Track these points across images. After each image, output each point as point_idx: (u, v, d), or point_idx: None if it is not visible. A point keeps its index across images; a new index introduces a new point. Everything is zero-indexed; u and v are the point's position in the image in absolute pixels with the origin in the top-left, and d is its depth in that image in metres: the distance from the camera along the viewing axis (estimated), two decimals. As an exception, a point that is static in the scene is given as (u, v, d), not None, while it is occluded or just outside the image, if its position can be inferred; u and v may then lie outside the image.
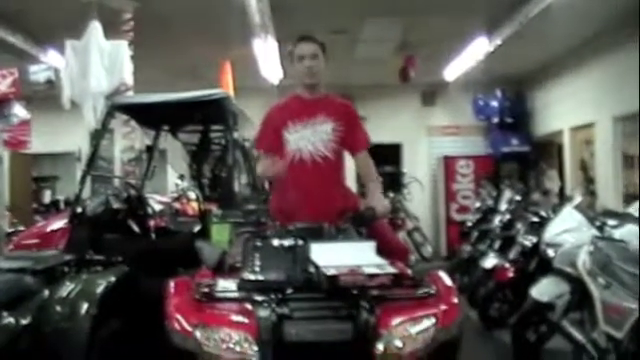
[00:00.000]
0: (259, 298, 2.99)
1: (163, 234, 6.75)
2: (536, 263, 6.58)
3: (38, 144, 13.02)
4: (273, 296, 2.96)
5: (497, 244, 8.04)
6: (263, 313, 2.93)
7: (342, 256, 3.09)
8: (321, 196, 3.87)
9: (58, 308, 4.46)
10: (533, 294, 5.75)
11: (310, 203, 3.80)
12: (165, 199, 9.60)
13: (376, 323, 2.93)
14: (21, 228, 9.61)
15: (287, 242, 3.36)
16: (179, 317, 3.06)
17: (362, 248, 3.26)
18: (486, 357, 6.69)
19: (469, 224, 9.73)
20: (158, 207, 7.94)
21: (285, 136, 3.96)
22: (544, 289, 5.71)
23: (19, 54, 9.50)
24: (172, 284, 3.37)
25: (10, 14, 8.59)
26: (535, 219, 7.07)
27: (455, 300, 3.21)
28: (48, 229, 6.61)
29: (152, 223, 6.82)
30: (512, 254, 7.23)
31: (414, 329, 3.01)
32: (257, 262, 3.27)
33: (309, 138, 3.95)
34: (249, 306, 3.03)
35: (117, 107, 6.16)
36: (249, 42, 9.63)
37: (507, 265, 7.13)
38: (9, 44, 9.18)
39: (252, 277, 3.12)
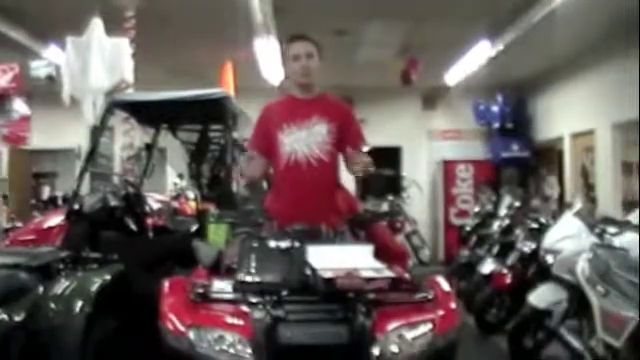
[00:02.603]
0: (254, 300, 2.96)
1: (161, 233, 6.73)
2: (535, 269, 6.54)
3: (38, 140, 13.03)
4: (268, 298, 2.93)
5: (496, 249, 8.02)
6: (258, 315, 2.90)
7: (339, 259, 3.06)
8: (316, 198, 3.79)
9: (52, 305, 4.44)
10: (531, 300, 5.74)
11: (305, 205, 3.73)
12: (164, 198, 9.60)
13: (372, 327, 2.90)
14: (19, 224, 9.59)
15: (284, 244, 3.32)
16: (173, 317, 3.04)
17: (360, 251, 3.23)
18: (483, 364, 6.66)
19: (468, 229, 9.70)
20: (156, 206, 7.92)
21: (279, 138, 3.88)
22: (542, 296, 5.70)
23: (20, 49, 9.46)
24: (167, 284, 3.34)
25: (12, 9, 8.55)
26: (534, 225, 7.04)
27: (453, 306, 3.18)
28: (45, 225, 6.58)
29: (150, 221, 6.80)
30: (510, 260, 7.19)
31: (410, 334, 2.98)
32: (253, 263, 3.24)
33: (304, 140, 3.86)
34: (244, 308, 3.00)
35: (116, 104, 6.13)
36: (251, 42, 9.60)
37: (505, 271, 7.10)
38: (11, 39, 9.14)
39: (248, 278, 3.09)
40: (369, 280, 2.89)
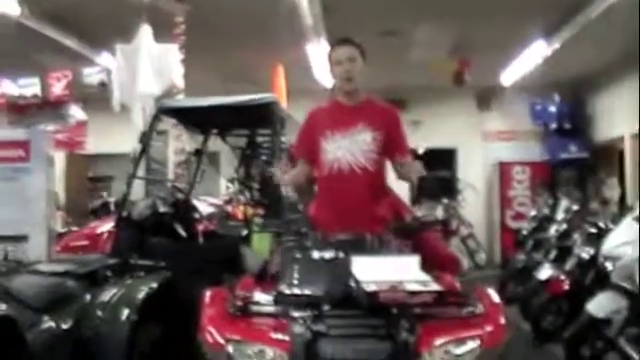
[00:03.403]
0: (295, 314, 2.86)
1: (211, 238, 6.70)
2: (593, 276, 6.31)
3: (94, 145, 13.24)
4: (309, 312, 2.84)
5: (553, 254, 7.80)
6: (298, 330, 2.81)
7: (384, 271, 2.95)
8: (360, 207, 3.69)
9: (99, 313, 4.47)
10: (589, 309, 5.53)
11: (349, 214, 3.64)
12: (217, 201, 9.61)
13: (417, 343, 2.78)
14: (74, 228, 9.73)
15: (327, 254, 3.22)
16: (212, 330, 2.98)
17: (405, 262, 3.10)
18: (538, 372, 6.46)
19: (524, 232, 9.49)
20: (209, 210, 7.93)
21: (323, 145, 3.80)
22: (601, 304, 5.49)
23: (73, 56, 9.61)
24: (208, 294, 3.28)
25: (65, 17, 8.69)
26: (593, 230, 6.80)
27: (502, 321, 3.03)
28: (96, 232, 6.64)
29: (200, 227, 6.79)
30: (568, 265, 6.98)
31: (457, 350, 2.85)
32: (295, 275, 3.15)
33: (348, 148, 3.76)
34: (285, 321, 2.91)
35: (164, 111, 6.13)
36: (301, 45, 9.57)
37: (562, 277, 6.89)
38: (64, 47, 9.29)
39: (289, 291, 3.00)
40: (414, 294, 2.77)
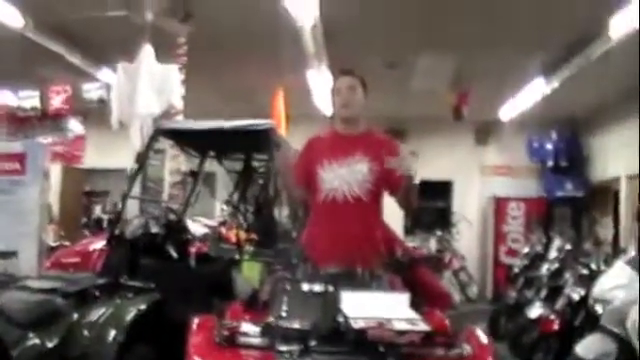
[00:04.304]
0: (281, 347, 2.84)
1: (202, 260, 6.67)
2: (583, 317, 6.31)
3: (92, 159, 13.22)
4: (296, 346, 2.82)
5: (544, 293, 7.78)
6: (284, 364, 2.79)
7: (373, 307, 2.93)
8: (353, 238, 3.68)
9: (86, 332, 4.44)
10: (578, 351, 5.51)
11: (341, 245, 3.62)
12: (212, 223, 9.57)
13: (403, 383, 2.76)
14: (66, 243, 9.68)
15: (317, 288, 3.21)
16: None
17: (395, 299, 3.09)
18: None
19: (516, 269, 9.49)
20: (203, 231, 7.88)
21: (319, 173, 3.79)
22: (590, 346, 5.48)
23: (75, 71, 9.63)
24: (195, 322, 3.26)
25: (68, 32, 8.72)
26: (585, 271, 6.82)
27: (490, 363, 3.02)
28: (87, 249, 6.61)
29: (193, 248, 6.76)
30: (559, 305, 6.97)
31: (444, 392, 2.83)
32: (284, 307, 3.13)
33: (344, 177, 3.76)
34: (271, 354, 2.89)
35: (162, 131, 6.14)
36: (302, 70, 9.61)
37: (553, 316, 6.88)
38: (66, 61, 9.31)
39: (276, 323, 2.98)
40: (401, 333, 2.75)
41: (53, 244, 9.37)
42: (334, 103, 3.94)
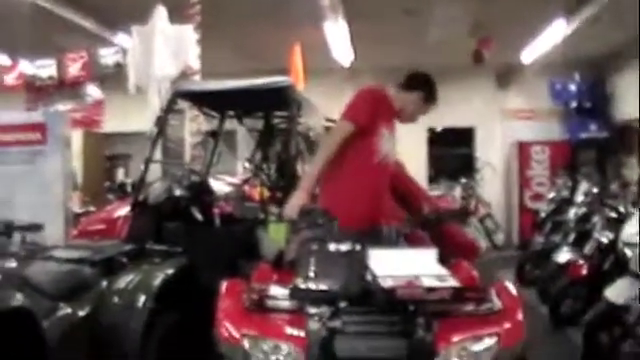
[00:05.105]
0: (310, 310, 2.83)
1: (227, 221, 6.66)
2: (612, 261, 6.24)
3: (111, 124, 13.25)
4: (325, 308, 2.80)
5: (572, 237, 7.73)
6: (313, 326, 2.77)
7: (402, 264, 2.90)
8: (385, 202, 3.83)
9: (115, 300, 4.45)
10: (607, 295, 5.46)
11: (373, 206, 3.74)
12: (235, 180, 9.57)
13: (434, 340, 2.74)
14: (92, 209, 9.74)
15: (344, 247, 3.17)
16: (228, 325, 2.96)
17: (423, 255, 3.05)
18: (555, 358, 6.40)
19: (543, 214, 9.41)
20: (227, 189, 7.87)
21: (380, 135, 3.90)
22: (619, 290, 5.42)
23: (90, 37, 9.58)
24: (224, 286, 3.26)
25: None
26: (613, 214, 6.72)
27: (520, 317, 2.98)
28: (113, 215, 6.63)
29: (217, 209, 6.75)
30: (587, 249, 6.91)
31: (475, 348, 2.81)
32: (312, 268, 3.10)
33: (391, 148, 3.95)
34: (301, 316, 2.88)
35: (179, 94, 6.09)
36: (319, 23, 9.48)
37: (581, 261, 6.82)
38: (81, 27, 9.26)
39: (304, 285, 2.96)
40: (431, 290, 2.72)
41: (79, 211, 9.46)
42: (412, 108, 4.07)
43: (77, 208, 9.70)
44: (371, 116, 3.86)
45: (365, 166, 3.85)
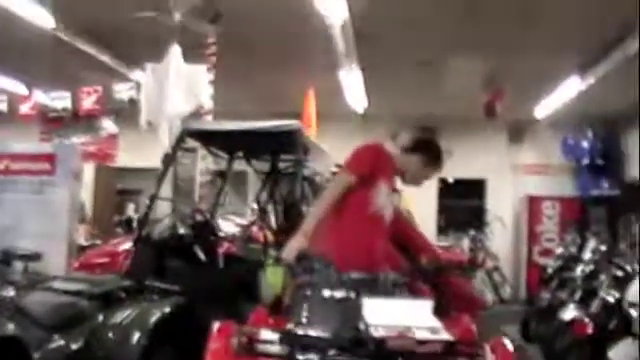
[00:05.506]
0: (300, 356, 2.78)
1: (231, 261, 6.64)
2: (617, 321, 6.14)
3: (125, 158, 13.32)
4: (314, 356, 2.75)
5: (578, 295, 7.61)
6: (301, 374, 2.73)
7: (396, 314, 2.86)
8: (381, 252, 3.81)
9: (110, 335, 4.44)
10: (611, 356, 5.39)
11: (369, 255, 3.70)
12: (243, 222, 9.56)
13: (422, 394, 2.68)
14: (98, 242, 9.74)
15: (339, 294, 3.14)
16: (215, 367, 2.91)
17: (419, 306, 3.01)
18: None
19: (550, 270, 9.31)
20: (234, 229, 7.87)
21: (377, 188, 3.90)
22: (623, 352, 5.35)
23: (107, 71, 9.68)
24: (215, 328, 3.22)
25: (100, 32, 8.77)
26: (620, 273, 6.64)
27: (514, 376, 2.93)
28: (116, 249, 6.62)
29: (222, 249, 6.73)
30: (593, 307, 6.79)
31: (464, 405, 2.75)
32: (304, 313, 3.07)
33: (385, 200, 3.93)
34: (289, 362, 2.84)
35: (188, 133, 6.12)
36: (334, 69, 9.55)
37: (586, 320, 6.69)
38: (98, 61, 9.37)
39: (295, 331, 2.92)
40: (422, 342, 2.67)
41: (85, 243, 9.45)
42: (417, 172, 4.11)
43: (83, 240, 9.70)
44: (371, 169, 3.91)
45: (358, 216, 3.85)
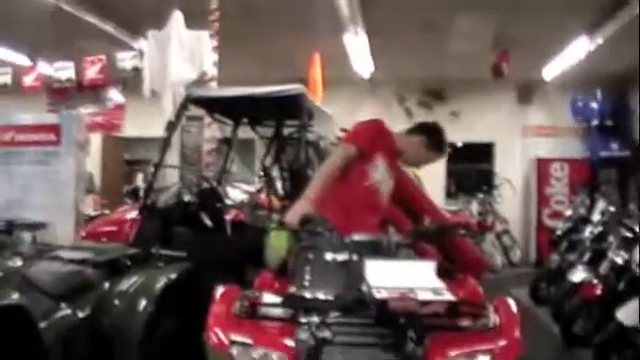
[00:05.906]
0: (301, 319, 2.78)
1: (238, 228, 6.63)
2: (626, 282, 6.13)
3: (132, 128, 13.28)
4: (316, 317, 2.75)
5: (587, 256, 7.61)
6: (302, 336, 2.72)
7: (398, 276, 2.84)
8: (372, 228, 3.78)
9: (116, 302, 4.43)
10: (619, 316, 5.36)
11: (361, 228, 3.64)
12: (250, 189, 9.55)
13: (424, 355, 2.67)
14: (106, 212, 9.75)
15: (341, 257, 3.12)
16: (217, 330, 2.92)
17: (421, 268, 2.99)
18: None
19: (559, 232, 9.28)
20: (242, 197, 7.86)
21: (374, 163, 3.92)
22: (631, 312, 5.32)
23: (110, 41, 9.62)
24: (219, 292, 3.22)
25: (102, 2, 8.70)
26: (628, 234, 6.60)
27: (517, 335, 2.91)
28: (123, 218, 6.62)
29: (229, 216, 6.72)
30: (602, 269, 6.77)
31: (466, 364, 2.74)
32: (307, 276, 3.04)
33: (380, 176, 3.95)
34: (292, 325, 2.83)
35: (191, 100, 6.08)
36: (339, 34, 9.46)
37: (595, 281, 6.69)
38: (101, 31, 9.31)
39: (298, 294, 2.91)
40: (424, 303, 2.66)
41: (93, 213, 9.48)
42: (416, 147, 4.11)
43: (91, 211, 9.73)
44: (370, 143, 3.92)
45: (353, 189, 3.88)
